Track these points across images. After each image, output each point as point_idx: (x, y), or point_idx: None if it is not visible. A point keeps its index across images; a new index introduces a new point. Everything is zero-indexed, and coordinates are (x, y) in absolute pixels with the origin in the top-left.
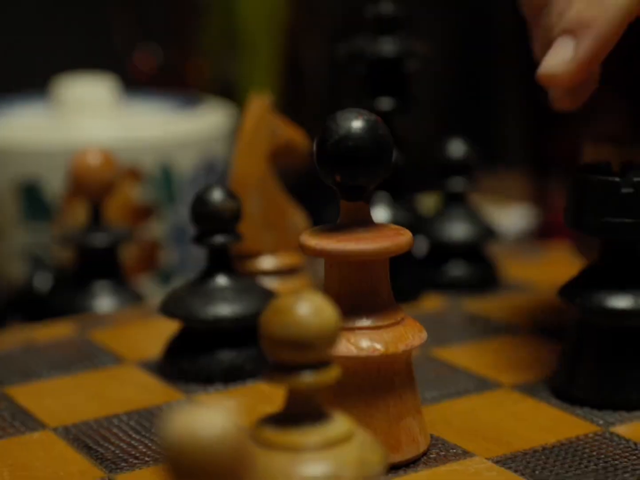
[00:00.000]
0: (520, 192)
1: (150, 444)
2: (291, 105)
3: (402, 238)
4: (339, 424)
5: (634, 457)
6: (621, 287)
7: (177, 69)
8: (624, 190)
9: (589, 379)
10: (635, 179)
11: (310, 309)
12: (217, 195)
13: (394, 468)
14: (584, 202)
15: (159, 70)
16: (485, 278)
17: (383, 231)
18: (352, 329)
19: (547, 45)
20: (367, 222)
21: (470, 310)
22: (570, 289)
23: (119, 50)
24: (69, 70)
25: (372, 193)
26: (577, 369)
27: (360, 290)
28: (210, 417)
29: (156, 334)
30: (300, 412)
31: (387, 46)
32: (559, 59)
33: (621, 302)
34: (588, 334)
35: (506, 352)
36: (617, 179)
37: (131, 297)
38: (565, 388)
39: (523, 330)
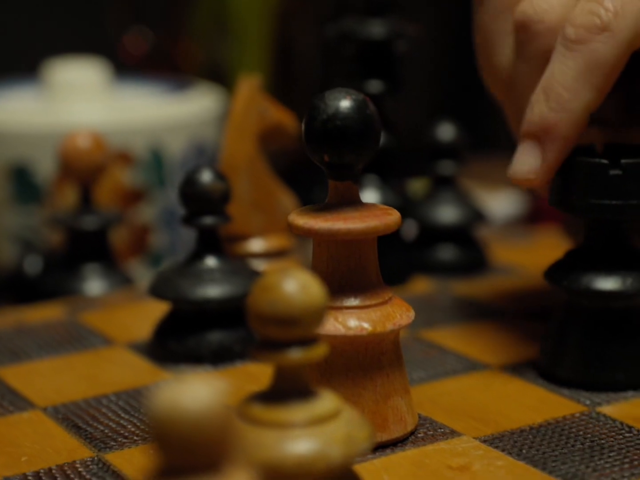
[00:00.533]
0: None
1: (138, 424)
2: (282, 88)
3: (390, 217)
4: (326, 401)
5: (620, 436)
6: (607, 269)
7: (168, 53)
8: (612, 172)
9: (575, 360)
10: (623, 161)
11: (296, 285)
12: (206, 176)
13: (381, 447)
14: (571, 183)
15: (149, 54)
16: (473, 261)
17: (371, 210)
18: (340, 308)
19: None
20: (355, 202)
21: (458, 293)
22: (557, 271)
23: (109, 34)
24: (59, 54)
25: (360, 172)
26: (564, 350)
27: (348, 270)
28: (196, 390)
29: (146, 315)
30: (287, 389)
31: (377, 28)
32: (526, 165)
33: (607, 283)
34: (574, 316)
35: (494, 334)
36: (604, 161)
37: (121, 280)
38: (552, 369)
39: (511, 313)
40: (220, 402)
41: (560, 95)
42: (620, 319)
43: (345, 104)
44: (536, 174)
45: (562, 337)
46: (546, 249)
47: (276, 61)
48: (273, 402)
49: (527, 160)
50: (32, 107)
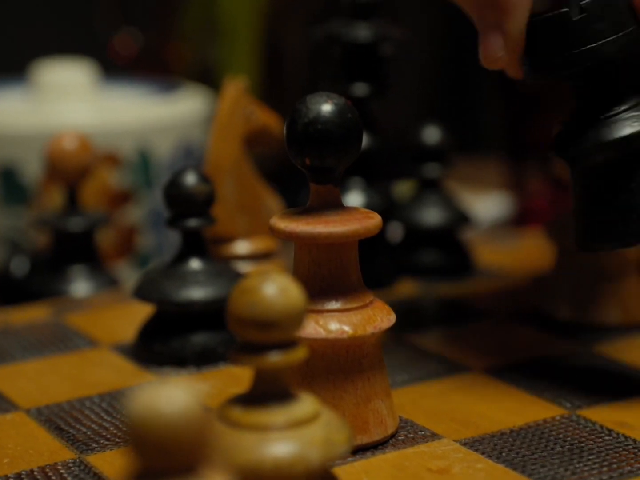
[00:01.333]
0: (496, 179)
1: (121, 426)
2: (270, 90)
3: (370, 221)
4: (305, 404)
5: (600, 439)
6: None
7: (157, 54)
8: (575, 17)
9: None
10: (583, 3)
11: (276, 289)
12: (190, 178)
13: (362, 450)
14: (542, 46)
15: (139, 55)
16: (459, 264)
17: (352, 214)
18: (321, 312)
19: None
20: (336, 205)
21: (443, 296)
22: (563, 141)
23: (98, 35)
24: (48, 55)
25: (341, 176)
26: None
27: (329, 273)
28: (172, 393)
29: (131, 317)
30: (266, 392)
31: (363, 31)
32: (493, 45)
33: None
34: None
35: (477, 337)
36: (564, 9)
37: (107, 281)
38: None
39: (494, 316)
40: (197, 405)
41: None
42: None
43: (326, 108)
44: (502, 50)
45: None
46: (531, 251)
47: (265, 63)
48: (252, 405)
49: (490, 41)
50: (19, 108)
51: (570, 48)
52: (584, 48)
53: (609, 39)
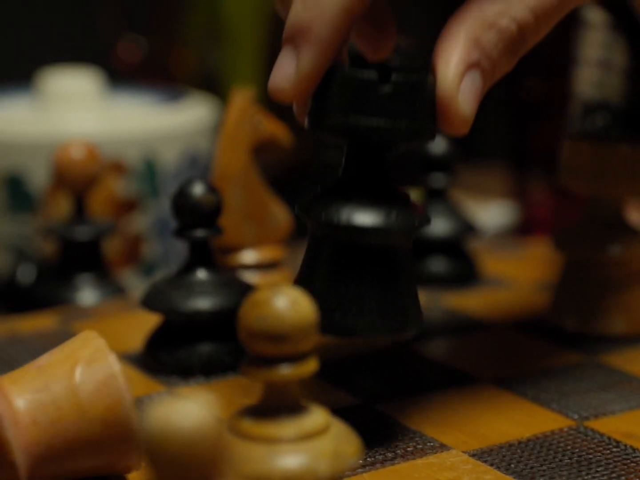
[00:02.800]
0: (500, 188)
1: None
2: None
3: None
4: (315, 416)
5: (607, 451)
6: (369, 202)
7: (161, 61)
8: (380, 88)
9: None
10: (395, 79)
11: (287, 302)
12: (197, 189)
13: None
14: (331, 99)
15: (143, 62)
16: (464, 273)
17: None
18: None
19: None
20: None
21: (449, 305)
22: (311, 203)
23: (103, 42)
24: (53, 63)
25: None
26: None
27: None
28: (188, 408)
29: (138, 326)
30: (277, 405)
31: None
32: (280, 73)
33: (368, 218)
34: (331, 252)
35: (484, 347)
36: (372, 76)
37: (114, 289)
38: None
39: (501, 326)
40: (212, 420)
41: None
42: (380, 259)
43: None
44: (290, 82)
45: (311, 274)
46: (537, 260)
47: (269, 70)
48: (262, 417)
49: (282, 68)
50: (26, 116)
51: (362, 114)
52: (376, 121)
53: (403, 123)
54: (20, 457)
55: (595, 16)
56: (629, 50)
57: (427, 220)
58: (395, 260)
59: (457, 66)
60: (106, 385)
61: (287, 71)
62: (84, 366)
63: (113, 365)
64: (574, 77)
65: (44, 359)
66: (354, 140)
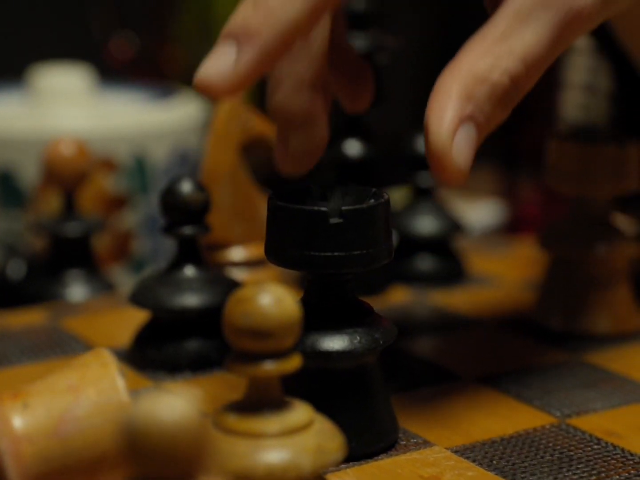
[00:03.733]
0: (488, 187)
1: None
2: (265, 98)
3: None
4: (299, 412)
5: (589, 448)
6: (333, 327)
7: (153, 58)
8: (332, 220)
9: None
10: (344, 208)
11: (271, 299)
12: (186, 186)
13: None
14: (286, 233)
15: (134, 59)
16: (451, 272)
17: None
18: None
19: None
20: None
21: (436, 303)
22: None
23: (95, 39)
24: (44, 60)
25: None
26: None
27: None
28: (172, 402)
29: (126, 322)
30: (261, 400)
31: (359, 41)
32: (215, 67)
33: (334, 343)
34: (298, 378)
35: (469, 345)
36: (323, 209)
37: (103, 286)
38: None
39: (487, 324)
40: (196, 414)
41: (267, 1)
42: (346, 379)
43: None
44: (224, 78)
45: None
46: (523, 259)
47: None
48: (246, 413)
49: (218, 62)
50: (16, 113)
51: (316, 248)
52: (330, 254)
53: (356, 252)
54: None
55: (581, 41)
56: (614, 74)
57: (393, 335)
58: (364, 379)
59: (450, 120)
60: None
61: (221, 67)
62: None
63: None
64: (559, 100)
65: (61, 379)
66: (310, 270)
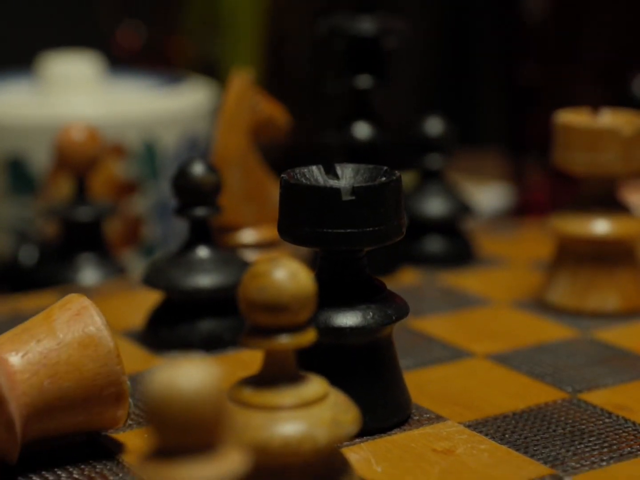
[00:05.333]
0: (497, 171)
1: (133, 409)
2: (273, 82)
3: None
4: (314, 385)
5: (600, 422)
6: (346, 303)
7: (160, 47)
8: (345, 197)
9: None
10: (356, 186)
11: (286, 273)
12: (197, 168)
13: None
14: (298, 211)
15: (142, 48)
16: (460, 253)
17: None
18: None
19: None
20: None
21: (445, 284)
22: None
23: (102, 28)
24: (53, 47)
25: None
26: None
27: None
28: (191, 372)
29: (138, 305)
30: (276, 374)
31: (366, 24)
32: None
33: (347, 319)
34: (312, 354)
35: (479, 323)
36: (336, 186)
37: (114, 270)
38: None
39: (497, 303)
40: (215, 383)
41: None
42: (362, 356)
43: None
44: None
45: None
46: (532, 241)
47: (267, 56)
48: (262, 386)
49: None
50: (26, 100)
51: (329, 225)
52: (343, 231)
53: (369, 229)
54: (16, 413)
55: None
56: None
57: (406, 311)
58: (377, 355)
59: None
60: (79, 314)
61: None
62: (60, 312)
63: (84, 301)
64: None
65: (29, 321)
66: (324, 247)
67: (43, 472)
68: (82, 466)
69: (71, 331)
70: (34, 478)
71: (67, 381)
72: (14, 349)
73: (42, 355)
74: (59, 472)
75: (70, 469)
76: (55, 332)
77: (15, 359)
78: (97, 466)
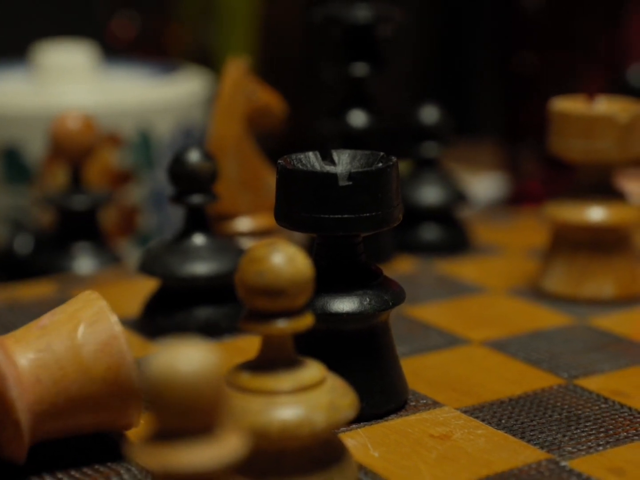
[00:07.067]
0: (491, 161)
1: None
2: (268, 70)
3: None
4: (311, 369)
5: (596, 407)
6: (342, 289)
7: (156, 36)
8: (342, 182)
9: None
10: (353, 171)
11: (283, 258)
12: (194, 155)
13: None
14: (295, 196)
15: (137, 37)
16: (456, 241)
17: None
18: None
19: None
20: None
21: (441, 272)
22: None
23: (98, 17)
24: (48, 37)
25: None
26: None
27: None
28: (190, 354)
29: (134, 293)
30: (274, 358)
31: (362, 12)
32: None
33: (344, 305)
34: (309, 340)
35: (475, 310)
36: (333, 171)
37: (110, 258)
38: None
39: (493, 291)
40: (215, 366)
41: None
42: (359, 342)
43: None
44: None
45: None
46: (527, 229)
47: (263, 44)
48: (260, 371)
49: None
50: (22, 89)
51: (326, 211)
52: (340, 216)
53: (365, 215)
54: (23, 415)
55: None
56: None
57: (403, 297)
58: (374, 340)
59: None
60: (108, 345)
61: None
62: (86, 326)
63: (115, 326)
64: None
65: (46, 319)
66: (321, 233)
67: (52, 469)
68: (91, 463)
69: (89, 335)
70: (44, 476)
71: (76, 383)
72: (25, 349)
73: (55, 359)
74: (70, 471)
75: (79, 466)
76: (70, 335)
77: (24, 361)
78: (107, 463)
